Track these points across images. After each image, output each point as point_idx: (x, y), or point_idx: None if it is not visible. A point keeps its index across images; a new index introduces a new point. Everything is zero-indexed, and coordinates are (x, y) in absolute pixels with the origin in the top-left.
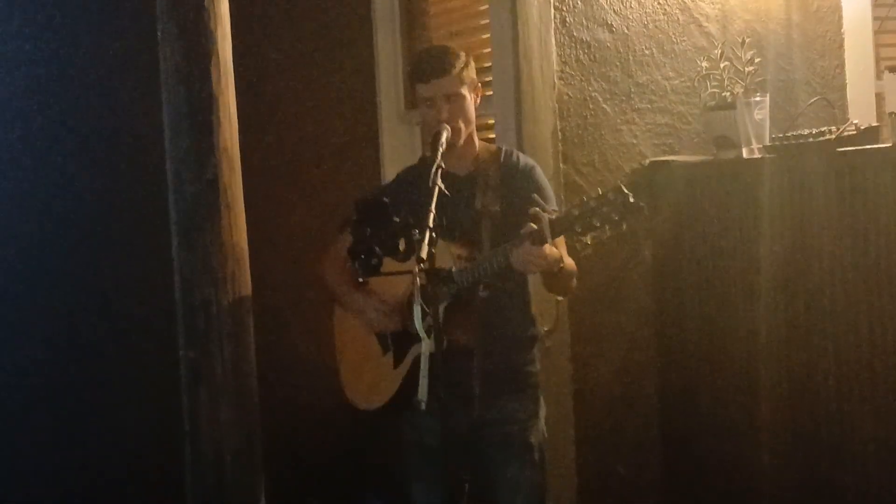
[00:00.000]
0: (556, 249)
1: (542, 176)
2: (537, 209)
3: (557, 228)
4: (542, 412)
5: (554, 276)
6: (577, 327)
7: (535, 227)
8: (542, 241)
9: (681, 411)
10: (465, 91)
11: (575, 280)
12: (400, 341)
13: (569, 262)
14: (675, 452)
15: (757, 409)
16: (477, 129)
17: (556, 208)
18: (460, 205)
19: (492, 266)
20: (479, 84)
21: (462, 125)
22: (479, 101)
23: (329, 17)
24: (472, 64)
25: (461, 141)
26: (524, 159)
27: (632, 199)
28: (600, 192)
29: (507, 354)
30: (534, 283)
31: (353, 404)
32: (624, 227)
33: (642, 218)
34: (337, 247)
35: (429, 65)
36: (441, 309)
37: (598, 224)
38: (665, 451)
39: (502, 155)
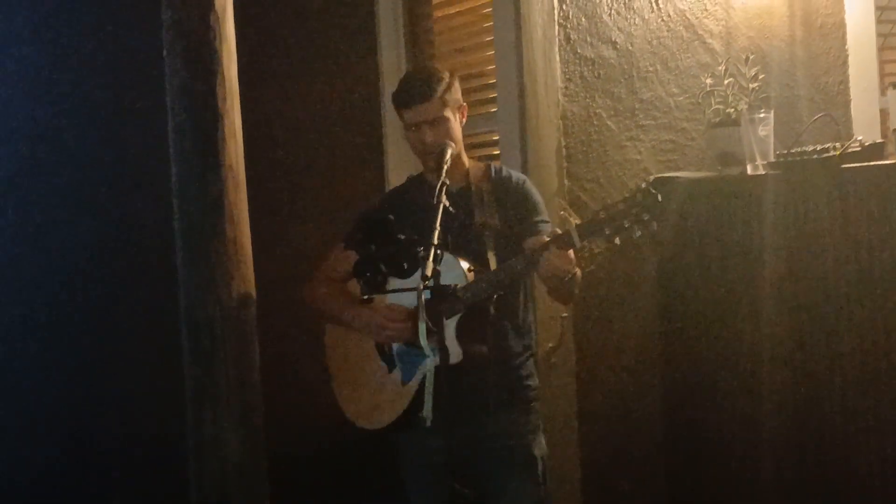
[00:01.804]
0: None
1: (534, 189)
2: (564, 213)
3: (585, 232)
4: (541, 426)
5: (566, 282)
6: (581, 344)
7: (560, 231)
8: (570, 246)
9: (686, 428)
10: (448, 114)
11: (577, 289)
12: (407, 357)
13: (577, 269)
14: (680, 469)
15: (762, 426)
16: (481, 146)
17: (549, 220)
18: (458, 219)
19: (511, 274)
20: (465, 104)
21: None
22: (464, 119)
23: (334, 34)
24: (457, 84)
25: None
26: (515, 174)
27: (660, 198)
28: (626, 196)
29: (510, 368)
30: (540, 299)
31: (355, 424)
32: (655, 226)
33: (662, 221)
34: (329, 263)
35: (411, 90)
36: (454, 322)
37: (629, 225)
38: (670, 467)
39: (492, 171)
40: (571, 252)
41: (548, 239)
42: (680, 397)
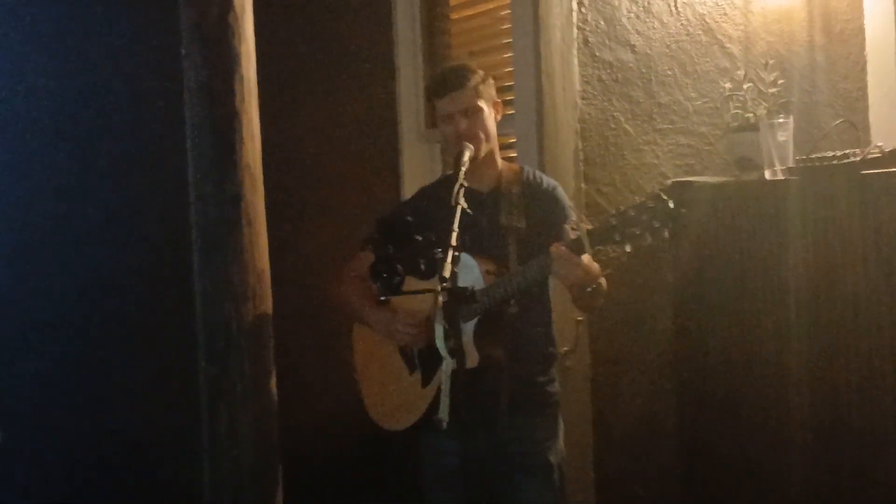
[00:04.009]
0: (596, 264)
1: (564, 195)
2: (575, 220)
3: (597, 238)
4: (562, 432)
5: (590, 291)
6: (596, 348)
7: (572, 237)
8: (581, 251)
9: (701, 433)
10: (482, 104)
11: (602, 298)
12: (427, 360)
13: (602, 279)
14: (696, 475)
15: (780, 433)
16: (498, 148)
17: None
18: (484, 221)
19: (525, 279)
20: (500, 101)
21: (482, 138)
22: (499, 117)
23: (351, 36)
24: (491, 81)
25: (481, 154)
26: (546, 179)
27: (672, 205)
28: (638, 201)
29: (531, 373)
30: (554, 303)
31: (379, 425)
32: (665, 234)
33: (679, 227)
34: (355, 264)
35: (445, 80)
36: (472, 325)
37: (639, 232)
38: (685, 473)
39: (524, 174)
40: (593, 262)
41: (559, 243)
42: (696, 403)
